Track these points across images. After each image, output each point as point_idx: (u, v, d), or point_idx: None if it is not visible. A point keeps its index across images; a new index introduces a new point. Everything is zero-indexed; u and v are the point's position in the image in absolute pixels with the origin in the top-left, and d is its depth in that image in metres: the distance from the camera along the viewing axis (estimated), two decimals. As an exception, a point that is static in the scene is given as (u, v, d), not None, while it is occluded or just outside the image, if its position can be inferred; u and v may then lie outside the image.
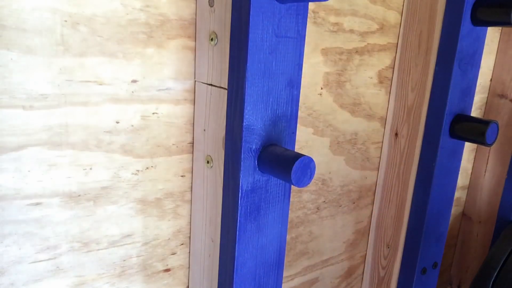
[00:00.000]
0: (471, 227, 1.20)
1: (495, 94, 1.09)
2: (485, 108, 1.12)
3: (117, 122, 0.55)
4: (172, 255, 0.65)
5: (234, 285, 0.55)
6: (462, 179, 1.17)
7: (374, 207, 0.92)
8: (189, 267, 0.67)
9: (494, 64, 1.08)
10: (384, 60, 0.81)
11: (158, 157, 0.59)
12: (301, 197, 0.78)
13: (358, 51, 0.76)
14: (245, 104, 0.49)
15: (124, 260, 0.61)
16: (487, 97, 1.11)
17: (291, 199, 0.68)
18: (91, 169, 0.54)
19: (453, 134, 0.78)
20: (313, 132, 0.75)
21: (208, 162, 0.58)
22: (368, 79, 0.80)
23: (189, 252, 0.66)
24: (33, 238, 0.52)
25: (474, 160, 1.18)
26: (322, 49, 0.71)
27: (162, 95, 0.57)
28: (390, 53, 0.82)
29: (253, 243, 0.55)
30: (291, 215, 0.78)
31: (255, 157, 0.52)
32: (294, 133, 0.55)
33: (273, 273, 0.59)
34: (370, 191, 0.91)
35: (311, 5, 0.67)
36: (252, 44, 0.47)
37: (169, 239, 0.64)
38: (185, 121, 0.60)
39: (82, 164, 0.53)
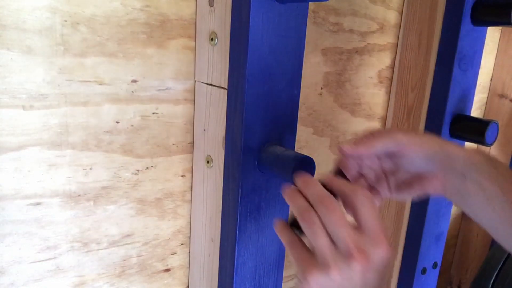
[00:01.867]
0: (471, 227, 1.20)
1: (495, 94, 1.09)
2: (485, 108, 1.12)
3: (117, 122, 0.55)
4: (172, 255, 0.65)
5: (234, 285, 0.55)
6: (462, 179, 1.17)
7: (374, 207, 0.92)
8: (189, 267, 0.67)
9: (494, 64, 1.07)
10: (384, 60, 0.81)
11: (158, 157, 0.59)
12: (301, 197, 0.78)
13: (358, 51, 0.76)
14: (245, 104, 0.49)
15: (124, 260, 0.61)
16: (487, 97, 1.11)
17: (291, 199, 0.68)
18: (91, 169, 0.54)
19: (453, 134, 0.78)
20: (313, 132, 0.75)
21: (208, 162, 0.58)
22: (368, 79, 0.80)
23: (189, 252, 0.66)
24: (33, 238, 0.52)
25: (474, 160, 1.18)
26: (322, 49, 0.71)
27: (162, 95, 0.57)
28: (390, 53, 0.82)
29: (253, 243, 0.55)
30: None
31: (255, 157, 0.52)
32: (294, 133, 0.55)
33: (273, 273, 0.59)
34: (370, 191, 0.91)
35: (311, 5, 0.67)
36: (252, 44, 0.47)
37: (169, 239, 0.64)
38: (185, 121, 0.60)
39: (82, 164, 0.53)
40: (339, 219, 0.35)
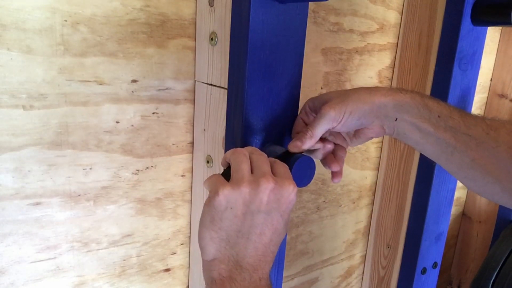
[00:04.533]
0: (471, 227, 1.20)
1: (495, 94, 1.09)
2: (485, 108, 1.12)
3: (117, 122, 0.55)
4: (172, 255, 0.65)
5: (234, 285, 0.55)
6: (462, 179, 1.17)
7: (374, 207, 0.92)
8: (189, 267, 0.67)
9: (494, 64, 1.07)
10: (384, 60, 0.81)
11: (158, 157, 0.59)
12: (301, 197, 0.78)
13: (358, 51, 0.76)
14: (245, 104, 0.49)
15: (124, 260, 0.61)
16: (487, 97, 1.11)
17: (291, 199, 0.68)
18: (91, 169, 0.54)
19: (453, 134, 0.78)
20: (313, 132, 0.75)
21: (208, 162, 0.58)
22: (368, 79, 0.80)
23: (189, 252, 0.66)
24: (33, 238, 0.52)
25: (474, 160, 1.18)
26: (322, 49, 0.71)
27: (162, 95, 0.57)
28: (390, 53, 0.82)
29: (253, 243, 0.55)
30: (291, 215, 0.78)
31: (255, 157, 0.52)
32: (294, 133, 0.55)
33: (273, 273, 0.58)
34: (370, 191, 0.91)
35: (311, 5, 0.67)
36: (252, 44, 0.47)
37: (169, 239, 0.64)
38: (185, 121, 0.60)
39: (82, 164, 0.53)
40: (264, 160, 0.43)
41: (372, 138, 0.52)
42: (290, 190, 0.41)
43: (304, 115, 0.53)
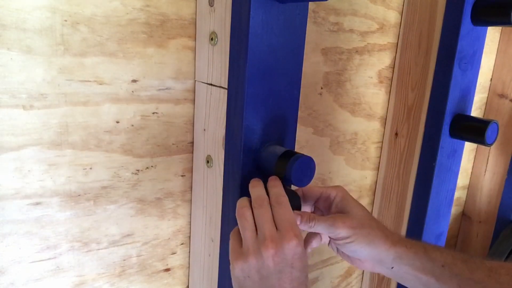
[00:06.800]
0: (471, 227, 1.20)
1: (495, 94, 1.09)
2: (485, 108, 1.12)
3: (117, 122, 0.55)
4: (172, 255, 0.65)
5: (234, 285, 0.55)
6: (462, 179, 1.17)
7: (374, 207, 0.92)
8: (189, 267, 0.67)
9: (494, 64, 1.08)
10: (384, 60, 0.81)
11: (158, 157, 0.59)
12: (301, 197, 0.78)
13: (358, 51, 0.76)
14: (245, 104, 0.49)
15: (124, 260, 0.61)
16: (487, 97, 1.11)
17: (291, 199, 0.68)
18: (91, 168, 0.54)
19: (453, 134, 0.78)
20: (313, 131, 0.75)
21: (208, 162, 0.58)
22: (368, 79, 0.80)
23: (189, 252, 0.66)
24: (33, 238, 0.52)
25: (474, 160, 1.18)
26: (322, 49, 0.71)
27: (162, 95, 0.57)
28: (390, 53, 0.82)
29: (253, 243, 0.55)
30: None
31: (255, 157, 0.52)
32: (294, 133, 0.55)
33: (273, 273, 0.58)
34: (370, 191, 0.91)
35: (311, 5, 0.67)
36: (252, 44, 0.47)
37: (169, 238, 0.64)
38: (185, 121, 0.60)
39: (82, 163, 0.53)
40: (265, 216, 0.45)
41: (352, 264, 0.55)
42: (291, 246, 0.43)
43: (319, 200, 0.54)
